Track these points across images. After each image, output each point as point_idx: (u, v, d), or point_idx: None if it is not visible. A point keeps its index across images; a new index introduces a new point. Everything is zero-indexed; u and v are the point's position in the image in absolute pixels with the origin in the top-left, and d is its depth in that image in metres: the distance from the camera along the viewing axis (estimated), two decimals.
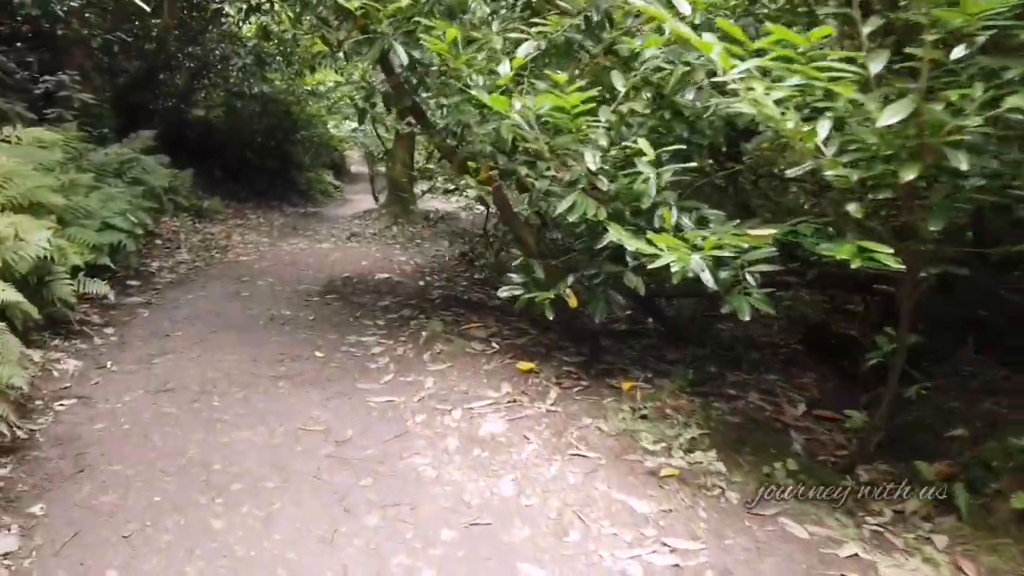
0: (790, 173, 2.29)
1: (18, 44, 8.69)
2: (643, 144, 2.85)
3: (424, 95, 4.43)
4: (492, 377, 3.80)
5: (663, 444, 2.96)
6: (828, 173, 1.99)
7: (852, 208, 2.09)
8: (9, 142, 4.65)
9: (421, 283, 6.86)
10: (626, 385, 3.59)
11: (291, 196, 14.00)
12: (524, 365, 3.88)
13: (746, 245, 2.52)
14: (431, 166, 12.63)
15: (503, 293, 3.65)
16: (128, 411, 3.29)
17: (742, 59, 1.99)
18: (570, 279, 3.45)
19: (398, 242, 9.80)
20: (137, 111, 10.84)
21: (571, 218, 2.91)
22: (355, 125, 16.63)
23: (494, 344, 4.31)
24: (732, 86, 2.09)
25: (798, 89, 2.11)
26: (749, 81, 1.97)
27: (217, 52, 11.14)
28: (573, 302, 3.39)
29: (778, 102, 2.08)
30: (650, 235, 2.72)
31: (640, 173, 3.01)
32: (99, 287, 4.47)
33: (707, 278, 2.58)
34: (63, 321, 4.26)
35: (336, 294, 6.09)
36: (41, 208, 4.32)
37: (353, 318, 5.19)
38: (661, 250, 2.62)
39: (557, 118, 3.00)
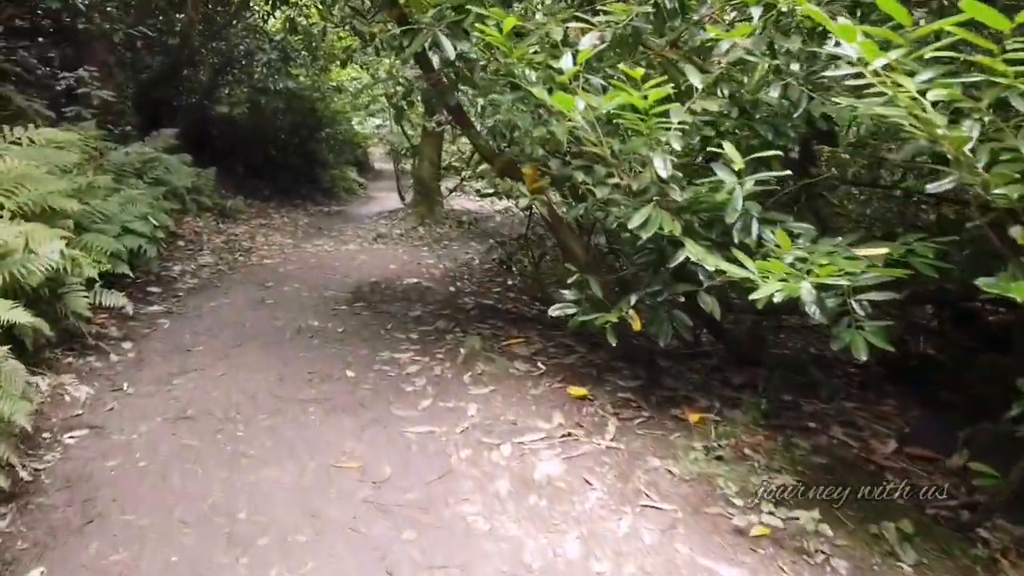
0: (932, 188, 1.89)
1: (39, 39, 8.50)
2: (728, 149, 2.46)
3: (470, 93, 4.06)
4: (541, 404, 3.44)
5: (748, 494, 2.58)
6: (999, 191, 1.60)
7: (1016, 233, 1.69)
8: (20, 144, 4.36)
9: (451, 289, 6.52)
10: (693, 417, 3.21)
11: (315, 194, 13.75)
12: (576, 390, 3.52)
13: (860, 270, 2.13)
14: (456, 164, 12.31)
15: (554, 312, 3.29)
16: (145, 444, 2.98)
17: (887, 47, 1.60)
18: (632, 299, 3.08)
19: (425, 243, 9.48)
20: (160, 108, 10.63)
21: (644, 235, 2.54)
22: (379, 122, 16.39)
23: (539, 364, 3.95)
24: (868, 80, 1.70)
25: (943, 85, 1.72)
26: (898, 76, 1.58)
27: (242, 47, 10.88)
28: (637, 325, 3.02)
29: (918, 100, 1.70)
30: (739, 256, 2.35)
31: (720, 182, 2.65)
32: (116, 299, 4.17)
33: (813, 309, 2.20)
34: (78, 335, 3.97)
35: (364, 302, 5.77)
36: (55, 214, 4.03)
37: (384, 330, 4.86)
38: (751, 273, 2.25)
39: (627, 119, 2.63)
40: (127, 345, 4.18)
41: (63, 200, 4.02)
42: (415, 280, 6.87)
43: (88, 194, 5.07)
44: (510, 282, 6.99)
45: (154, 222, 5.78)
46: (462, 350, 4.18)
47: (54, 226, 4.01)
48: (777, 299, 2.08)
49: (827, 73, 2.31)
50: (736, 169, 2.44)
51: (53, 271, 3.54)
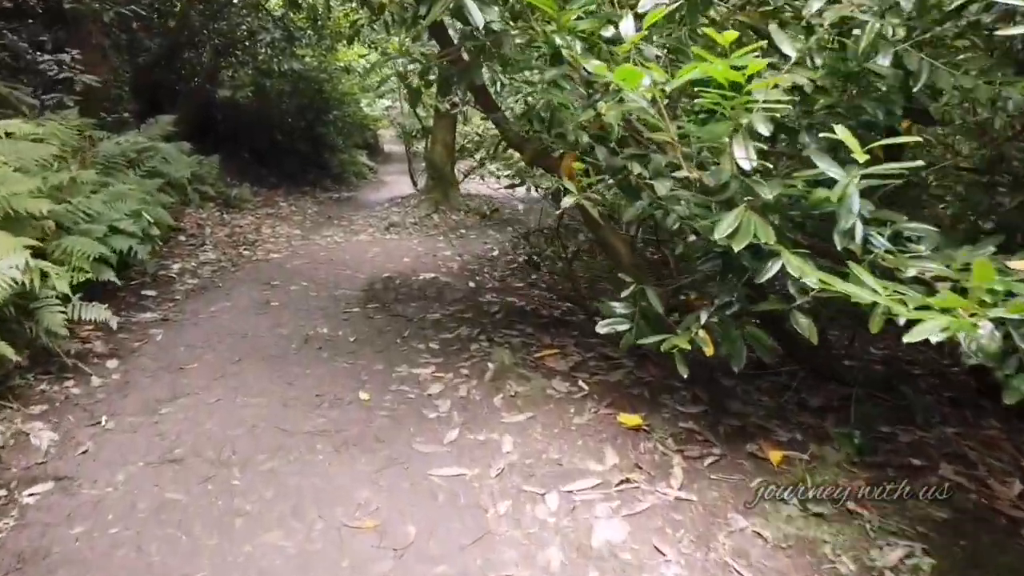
0: None
1: (29, 21, 7.99)
2: (843, 133, 1.90)
3: (495, 71, 3.50)
4: (588, 436, 2.93)
5: (866, 569, 2.06)
6: None
7: None
8: None
9: (471, 285, 6.01)
10: (775, 456, 2.68)
11: (324, 180, 13.23)
12: (628, 418, 3.00)
13: None
14: (470, 146, 11.73)
15: (603, 328, 2.75)
16: (120, 500, 2.49)
17: None
18: (703, 316, 2.54)
19: (441, 233, 8.95)
20: (159, 93, 10.12)
21: (736, 246, 1.99)
22: (388, 103, 15.81)
23: (581, 383, 3.43)
24: None
25: None
26: None
27: (243, 27, 10.29)
28: (710, 350, 2.48)
29: None
30: (860, 272, 1.80)
31: (821, 175, 2.10)
32: (98, 313, 3.68)
33: (975, 349, 1.65)
34: (56, 355, 3.49)
35: (378, 302, 5.27)
36: (25, 220, 3.54)
37: (401, 338, 4.36)
38: (879, 296, 1.70)
39: (708, 96, 2.07)
40: (112, 364, 3.70)
41: (33, 202, 3.53)
42: (432, 275, 6.36)
43: (71, 191, 4.58)
44: (533, 276, 6.47)
45: (148, 218, 5.29)
46: (490, 364, 3.67)
47: (25, 231, 3.53)
48: (935, 340, 1.53)
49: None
50: (861, 160, 1.87)
51: (19, 286, 3.06)
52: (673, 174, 2.50)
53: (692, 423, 3.00)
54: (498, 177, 4.58)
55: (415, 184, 11.59)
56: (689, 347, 2.39)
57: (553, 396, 3.30)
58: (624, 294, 2.70)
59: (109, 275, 4.11)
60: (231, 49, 10.79)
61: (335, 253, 7.47)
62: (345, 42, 11.53)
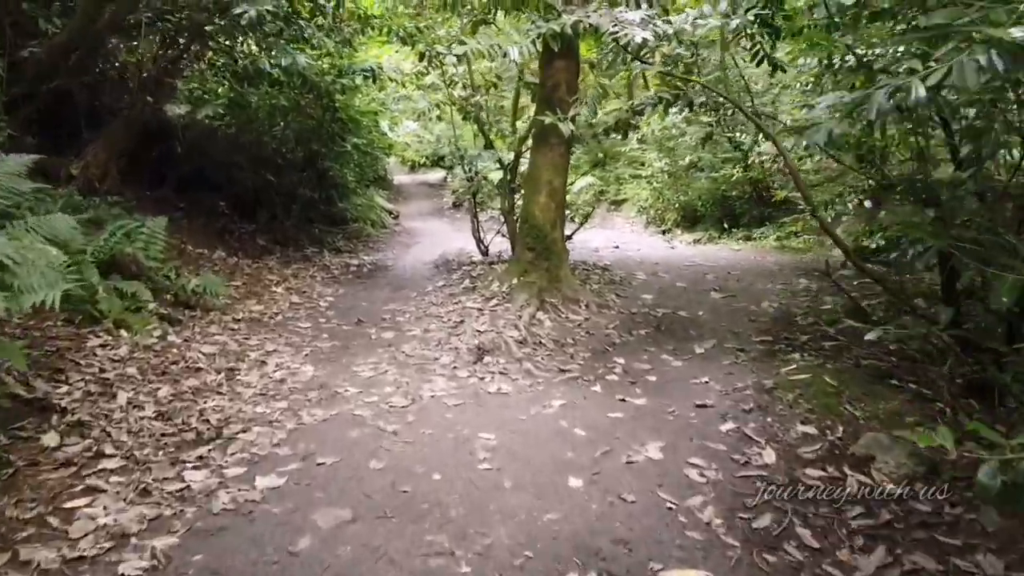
0: None
1: None
2: None
3: None
4: None
5: None
6: None
7: None
8: None
9: None
10: None
11: (334, 237, 9.07)
12: None
13: None
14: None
15: None
16: None
17: None
18: None
19: (579, 363, 4.76)
20: (66, 111, 5.93)
21: None
22: (414, 125, 11.82)
23: None
24: None
25: None
26: None
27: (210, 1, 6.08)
28: None
29: None
30: None
31: None
32: None
33: None
34: None
35: None
36: None
37: None
38: None
39: None
40: None
41: None
42: None
43: None
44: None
45: None
46: None
47: None
48: None
49: None
50: None
51: None
52: None
53: None
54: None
55: (484, 251, 7.42)
56: None
57: None
58: None
59: None
60: (189, 37, 6.58)
61: (405, 461, 3.26)
62: (367, 32, 7.40)
